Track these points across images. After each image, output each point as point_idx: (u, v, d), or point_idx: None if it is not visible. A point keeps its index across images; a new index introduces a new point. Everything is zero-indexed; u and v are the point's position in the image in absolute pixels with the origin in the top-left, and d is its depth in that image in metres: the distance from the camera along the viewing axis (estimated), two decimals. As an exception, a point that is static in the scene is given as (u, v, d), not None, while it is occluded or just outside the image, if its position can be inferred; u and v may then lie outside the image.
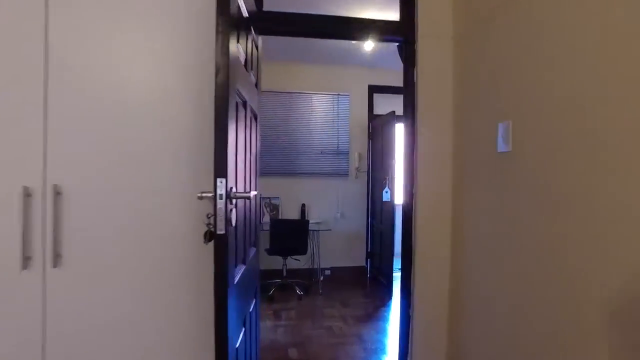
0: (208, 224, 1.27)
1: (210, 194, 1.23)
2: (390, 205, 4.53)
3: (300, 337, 3.48)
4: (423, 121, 2.45)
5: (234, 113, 1.35)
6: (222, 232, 1.21)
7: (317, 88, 5.29)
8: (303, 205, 5.20)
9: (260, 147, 2.07)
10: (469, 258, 2.25)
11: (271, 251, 4.49)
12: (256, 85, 1.99)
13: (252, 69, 1.81)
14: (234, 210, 1.29)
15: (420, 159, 2.44)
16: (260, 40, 2.20)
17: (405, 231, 2.51)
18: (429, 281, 2.48)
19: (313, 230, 4.83)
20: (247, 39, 1.72)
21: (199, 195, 1.26)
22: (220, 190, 1.21)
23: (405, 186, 2.47)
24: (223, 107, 1.22)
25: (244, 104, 1.58)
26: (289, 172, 5.24)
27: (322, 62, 5.22)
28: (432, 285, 2.48)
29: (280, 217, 5.17)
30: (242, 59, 1.58)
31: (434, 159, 2.45)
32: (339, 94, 5.32)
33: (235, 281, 1.38)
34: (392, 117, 4.59)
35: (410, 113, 2.48)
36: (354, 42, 4.11)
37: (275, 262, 4.81)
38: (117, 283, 1.51)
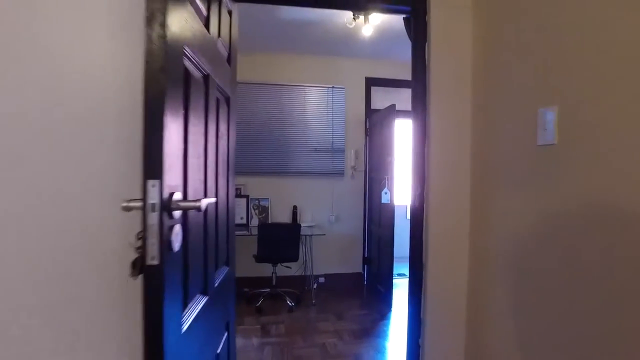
0: (138, 249, 0.85)
1: (139, 204, 0.81)
2: (390, 207, 4.12)
3: (291, 358, 3.06)
4: (436, 110, 2.04)
5: (181, 85, 0.93)
6: (155, 262, 0.79)
7: (310, 80, 4.88)
8: (295, 207, 4.78)
9: (234, 139, 1.65)
10: (492, 275, 1.85)
11: (259, 258, 4.07)
12: (229, 60, 1.57)
13: (220, 36, 1.39)
14: (177, 227, 0.87)
15: (432, 156, 2.04)
16: (236, 9, 1.78)
17: (415, 240, 2.11)
18: (443, 299, 2.08)
19: (305, 235, 4.41)
20: (213, -2, 1.30)
21: (125, 205, 0.84)
22: (153, 199, 0.79)
23: (415, 188, 2.06)
24: (158, 71, 0.80)
25: (205, 77, 1.17)
26: (280, 171, 4.82)
27: (316, 53, 4.80)
28: (446, 304, 2.08)
29: (269, 220, 4.75)
30: (203, 15, 1.16)
31: (449, 155, 2.05)
32: (333, 87, 4.90)
33: (185, 328, 0.96)
34: (391, 111, 4.18)
35: (420, 100, 2.08)
36: (350, 26, 3.70)
37: (264, 269, 4.39)
38: None
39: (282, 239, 4.06)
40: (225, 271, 1.46)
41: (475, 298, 2.02)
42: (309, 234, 4.40)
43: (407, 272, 5.20)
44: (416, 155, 2.09)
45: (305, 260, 4.70)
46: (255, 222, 4.72)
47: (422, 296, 2.10)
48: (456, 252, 2.07)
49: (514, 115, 1.66)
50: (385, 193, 4.10)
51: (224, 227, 1.46)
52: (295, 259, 4.15)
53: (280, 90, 4.82)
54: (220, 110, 1.38)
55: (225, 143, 1.46)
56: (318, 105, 4.88)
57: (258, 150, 4.78)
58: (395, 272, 4.31)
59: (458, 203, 2.06)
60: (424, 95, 2.07)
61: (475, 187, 2.02)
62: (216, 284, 1.31)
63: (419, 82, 2.11)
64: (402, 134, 6.74)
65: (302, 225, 4.69)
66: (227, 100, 1.51)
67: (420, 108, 2.08)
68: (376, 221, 4.67)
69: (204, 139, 1.15)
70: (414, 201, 2.09)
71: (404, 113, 4.96)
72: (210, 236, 1.22)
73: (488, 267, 1.90)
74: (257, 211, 4.75)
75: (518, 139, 1.61)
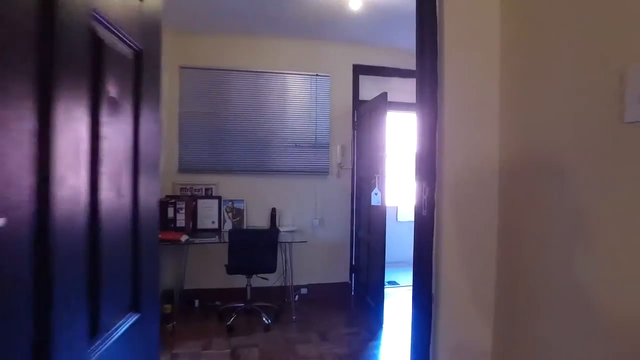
0: None
1: None
2: (381, 210, 3.61)
3: (262, 395, 2.53)
4: (453, 91, 1.54)
5: None
6: None
7: (291, 67, 4.34)
8: (273, 210, 4.24)
9: (157, 119, 1.09)
10: (536, 314, 1.35)
11: (230, 269, 3.51)
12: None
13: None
14: None
15: (447, 149, 1.53)
16: None
17: (421, 256, 1.61)
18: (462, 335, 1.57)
19: (285, 242, 3.87)
20: None
21: None
22: None
23: (421, 190, 1.55)
24: None
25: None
26: (256, 169, 4.28)
27: (297, 36, 4.27)
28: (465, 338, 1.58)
29: (245, 225, 4.20)
30: None
31: (469, 149, 1.54)
32: (317, 75, 4.37)
33: None
34: (383, 100, 3.67)
35: (428, 79, 1.57)
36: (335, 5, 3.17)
37: (239, 279, 3.84)
38: None
39: (256, 247, 3.52)
40: (130, 322, 0.91)
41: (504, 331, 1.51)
42: (289, 240, 3.86)
43: (398, 279, 4.69)
44: (423, 149, 1.58)
45: (285, 269, 4.17)
46: (228, 226, 4.17)
47: (433, 317, 1.59)
48: (480, 276, 1.56)
49: (575, 79, 1.14)
50: (376, 194, 3.59)
51: (128, 252, 0.91)
52: (272, 269, 3.61)
53: (256, 78, 4.27)
54: (115, 71, 0.84)
55: (130, 123, 0.91)
56: (300, 95, 4.34)
57: (231, 146, 4.22)
58: (385, 280, 3.81)
59: (481, 208, 1.56)
60: (434, 72, 1.56)
61: (506, 188, 1.52)
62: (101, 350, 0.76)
63: (427, 53, 1.60)
64: (394, 127, 6.26)
65: (282, 230, 4.16)
66: (138, 56, 0.96)
67: (428, 89, 1.58)
68: (365, 225, 4.16)
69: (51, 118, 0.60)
70: (419, 205, 1.58)
71: (396, 105, 4.47)
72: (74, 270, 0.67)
73: (527, 305, 1.40)
74: (230, 214, 4.19)
75: (586, 118, 1.10)
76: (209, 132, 4.18)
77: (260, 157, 4.27)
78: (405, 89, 4.63)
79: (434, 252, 1.59)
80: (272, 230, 3.71)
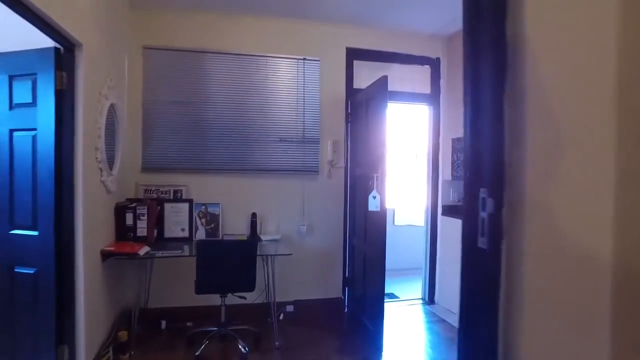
0: None
1: None
2: (380, 216, 3.04)
3: None
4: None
5: None
6: None
7: (275, 50, 3.74)
8: (254, 215, 3.64)
9: None
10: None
11: (199, 288, 2.91)
12: None
13: None
14: None
15: (530, 127, 0.95)
16: None
17: (474, 318, 1.03)
18: None
19: (267, 255, 3.28)
20: None
21: None
22: None
23: (477, 202, 0.97)
24: None
25: None
26: (234, 167, 3.67)
27: (283, 14, 3.67)
28: None
29: (220, 233, 3.59)
30: None
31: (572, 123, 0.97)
32: (305, 59, 3.78)
33: None
34: (382, 86, 3.09)
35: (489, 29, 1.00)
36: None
37: (211, 296, 3.23)
38: None
39: (231, 262, 2.92)
40: None
41: None
42: (272, 253, 3.26)
43: (397, 291, 4.08)
44: (481, 141, 1.02)
45: (268, 284, 3.58)
46: (201, 234, 3.56)
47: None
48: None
49: None
50: (374, 197, 3.02)
51: None
52: (250, 287, 3.01)
53: (234, 62, 3.66)
54: None
55: None
56: (285, 82, 3.75)
57: (205, 141, 3.61)
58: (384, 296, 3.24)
59: (589, 244, 0.96)
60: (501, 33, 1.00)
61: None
62: None
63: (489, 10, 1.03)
64: (394, 121, 5.67)
65: (264, 238, 3.58)
66: None
67: (491, 56, 1.02)
68: (360, 233, 3.58)
69: None
70: (472, 228, 1.00)
71: (396, 95, 3.91)
72: None
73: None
74: (203, 220, 3.58)
75: None
76: (178, 124, 3.57)
77: (239, 154, 3.66)
78: (407, 77, 4.07)
79: (500, 312, 0.98)
80: (250, 241, 3.10)
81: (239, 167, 3.66)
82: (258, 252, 3.07)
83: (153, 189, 3.52)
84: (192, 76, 3.58)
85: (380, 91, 3.09)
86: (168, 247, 3.22)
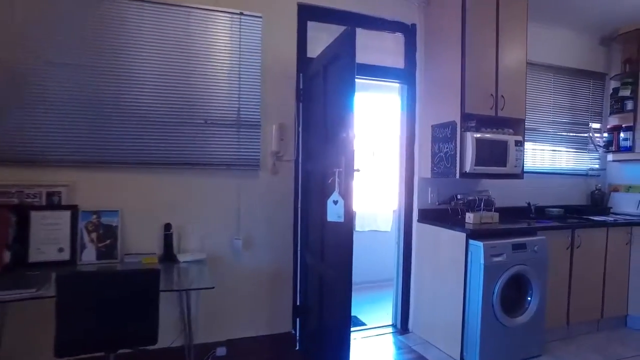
0: None
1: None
2: (344, 229, 2.12)
3: None
4: None
5: None
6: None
7: (202, 0, 2.72)
8: (168, 226, 2.61)
9: None
10: None
11: (61, 349, 1.84)
12: None
13: None
14: None
15: None
16: None
17: None
18: None
19: (184, 291, 2.26)
20: None
21: None
22: None
23: None
24: None
25: None
26: (142, 160, 2.62)
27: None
28: None
29: (119, 253, 2.53)
30: None
31: None
32: (241, 15, 2.79)
33: None
34: (346, 44, 2.17)
35: None
36: None
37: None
38: None
39: (113, 304, 1.88)
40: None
41: None
42: (186, 285, 2.25)
43: (363, 315, 3.26)
44: None
45: (188, 321, 2.56)
46: (90, 254, 2.48)
47: None
48: None
49: None
50: (336, 202, 2.09)
51: None
52: (150, 339, 1.98)
53: (143, 13, 2.60)
54: None
55: None
56: (214, 45, 2.73)
57: (98, 122, 2.53)
58: (349, 335, 2.34)
59: None
60: None
61: None
62: None
63: None
64: (363, 103, 4.75)
65: (183, 259, 2.56)
66: None
67: None
68: (316, 250, 2.65)
69: None
70: None
71: (363, 69, 3.01)
72: None
73: None
74: (94, 235, 2.50)
75: None
76: (59, 95, 2.45)
77: (147, 142, 2.61)
78: (374, 47, 3.19)
79: None
80: (147, 271, 2.05)
81: (148, 160, 2.61)
82: (164, 285, 2.05)
83: (13, 190, 2.40)
84: (81, 30, 2.48)
85: (345, 50, 2.16)
86: (28, 280, 2.11)
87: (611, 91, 4.15)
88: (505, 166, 2.97)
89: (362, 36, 3.08)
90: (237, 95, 2.76)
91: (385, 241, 4.67)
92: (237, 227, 2.80)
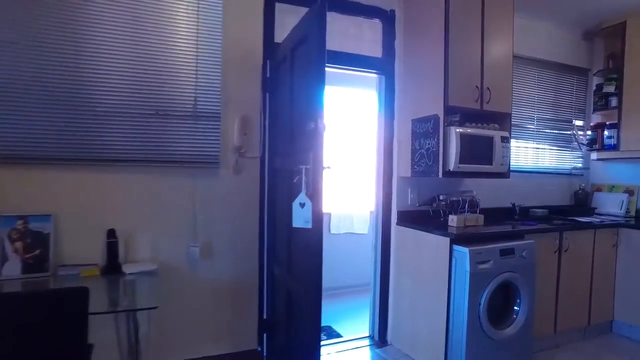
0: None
1: None
2: (312, 237, 1.82)
3: None
4: None
5: None
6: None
7: (152, -25, 2.38)
8: (111, 233, 2.26)
9: None
10: None
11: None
12: None
13: None
14: None
15: None
16: None
17: None
18: None
19: (127, 312, 1.91)
20: None
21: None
22: None
23: None
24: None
25: None
26: (80, 155, 2.26)
27: None
28: None
29: (52, 264, 2.16)
30: None
31: None
32: (200, -7, 2.47)
33: None
34: (315, 21, 1.87)
35: None
36: None
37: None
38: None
39: (26, 331, 1.53)
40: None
41: None
42: (124, 306, 1.91)
43: (337, 324, 2.85)
44: None
45: (135, 341, 2.22)
46: (15, 268, 2.11)
47: None
48: None
49: None
50: (302, 205, 1.79)
51: None
52: (78, 372, 1.64)
53: (77, -17, 2.24)
54: None
55: None
56: (167, 28, 2.40)
57: (27, 109, 2.15)
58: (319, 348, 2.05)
59: None
60: None
61: None
62: None
63: None
64: (337, 95, 4.45)
65: (130, 270, 2.22)
66: None
67: None
68: (283, 259, 2.35)
69: None
70: None
71: (337, 57, 2.73)
72: None
73: None
74: (19, 245, 2.13)
75: None
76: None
77: (88, 135, 2.25)
78: (350, 34, 2.91)
79: None
80: (67, 291, 1.70)
81: (88, 156, 2.25)
82: (98, 305, 1.71)
83: None
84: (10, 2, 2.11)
85: (314, 30, 1.86)
86: None
87: (594, 87, 4.00)
88: (491, 164, 2.73)
89: (337, 21, 2.84)
90: (193, 84, 2.43)
91: (363, 244, 4.41)
92: (193, 232, 2.47)
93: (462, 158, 2.58)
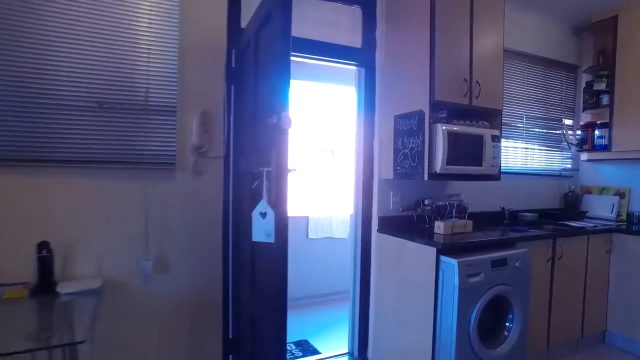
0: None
1: None
2: (276, 251, 1.53)
3: None
4: None
5: None
6: None
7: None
8: (43, 246, 1.92)
9: None
10: None
11: None
12: None
13: None
14: None
15: None
16: None
17: None
18: None
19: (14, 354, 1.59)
20: None
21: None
22: None
23: None
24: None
25: None
26: (6, 156, 1.91)
27: None
28: None
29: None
30: None
31: None
32: (154, -31, 2.15)
33: None
34: (279, 5, 1.58)
35: None
36: None
37: None
38: None
39: None
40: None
41: None
42: (45, 341, 1.58)
43: (315, 338, 2.57)
44: None
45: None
46: None
47: None
48: None
49: None
50: (263, 214, 1.50)
51: None
52: None
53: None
54: None
55: None
56: (113, 10, 2.07)
57: None
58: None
59: None
60: None
61: None
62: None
63: None
64: (312, 90, 4.15)
65: (66, 290, 1.90)
66: None
67: None
68: (247, 275, 2.05)
69: None
70: None
71: (311, 46, 2.45)
72: None
73: None
74: None
75: None
76: None
77: (15, 132, 1.91)
78: (326, 21, 2.63)
79: None
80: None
81: (15, 156, 1.91)
82: (14, 339, 1.39)
83: None
84: None
85: (278, 5, 1.57)
86: None
87: (584, 85, 3.81)
88: (480, 165, 2.49)
89: (312, 7, 2.56)
90: (144, 73, 2.11)
91: (343, 249, 4.14)
92: (145, 244, 2.15)
93: (450, 159, 2.32)
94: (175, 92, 2.17)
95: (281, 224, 1.47)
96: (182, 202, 2.23)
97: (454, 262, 2.13)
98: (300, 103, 4.56)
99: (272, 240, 1.46)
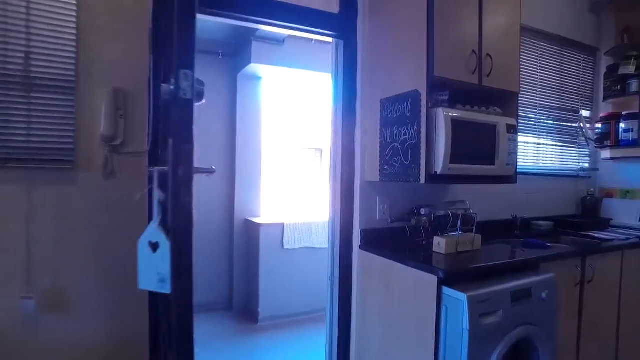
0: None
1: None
2: (183, 313, 0.93)
3: None
4: None
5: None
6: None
7: None
8: None
9: None
10: None
11: None
12: None
13: None
14: None
15: None
16: None
17: None
18: None
19: None
20: None
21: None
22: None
23: None
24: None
25: None
26: None
27: None
28: None
29: None
30: None
31: None
32: None
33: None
34: None
35: None
36: None
37: None
38: None
39: None
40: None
41: None
42: None
43: None
44: None
45: None
46: None
47: None
48: None
49: None
50: (155, 246, 0.90)
51: None
52: None
53: None
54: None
55: None
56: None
57: None
58: None
59: None
60: None
61: None
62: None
63: None
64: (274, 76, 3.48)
65: None
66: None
67: None
68: (165, 320, 1.44)
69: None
70: None
71: (276, 11, 1.83)
72: None
73: None
74: None
75: None
76: None
77: None
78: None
79: None
80: None
81: None
82: None
83: None
84: None
85: None
86: None
87: (605, 70, 3.25)
88: (493, 164, 1.90)
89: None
90: (22, 30, 1.48)
91: (324, 260, 3.55)
92: (27, 275, 1.52)
93: (455, 155, 1.73)
94: (73, 62, 1.55)
95: (184, 263, 0.86)
96: (88, 214, 1.61)
97: (462, 297, 1.54)
98: (278, 93, 3.96)
99: (167, 290, 0.86)
